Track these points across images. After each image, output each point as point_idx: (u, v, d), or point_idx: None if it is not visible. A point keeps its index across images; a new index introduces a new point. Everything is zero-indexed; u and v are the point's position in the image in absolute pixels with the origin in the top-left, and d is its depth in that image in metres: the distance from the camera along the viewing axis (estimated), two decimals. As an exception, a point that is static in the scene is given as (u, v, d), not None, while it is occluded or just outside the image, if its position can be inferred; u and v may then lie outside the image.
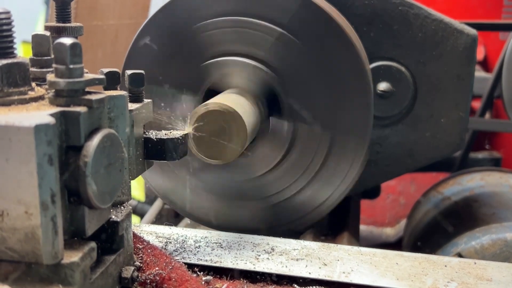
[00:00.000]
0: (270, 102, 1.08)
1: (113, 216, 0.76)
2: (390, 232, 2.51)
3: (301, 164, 1.09)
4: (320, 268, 0.90)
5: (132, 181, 0.86)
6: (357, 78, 1.04)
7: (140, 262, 0.82)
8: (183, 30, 1.07)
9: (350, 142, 1.06)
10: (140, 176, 0.95)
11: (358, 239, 1.31)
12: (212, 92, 1.06)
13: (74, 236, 0.68)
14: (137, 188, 2.61)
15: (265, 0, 1.03)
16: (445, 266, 0.91)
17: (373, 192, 1.74)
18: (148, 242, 0.87)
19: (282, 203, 1.12)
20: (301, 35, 1.03)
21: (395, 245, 2.34)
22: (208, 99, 1.03)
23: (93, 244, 0.69)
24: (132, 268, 0.78)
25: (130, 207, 0.80)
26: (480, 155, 2.53)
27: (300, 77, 1.05)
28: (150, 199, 2.17)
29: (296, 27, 1.03)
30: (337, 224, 1.32)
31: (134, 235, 0.87)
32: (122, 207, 0.79)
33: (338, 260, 0.93)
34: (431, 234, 1.75)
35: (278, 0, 1.03)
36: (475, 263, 0.92)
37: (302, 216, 1.12)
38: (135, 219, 1.95)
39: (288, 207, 1.12)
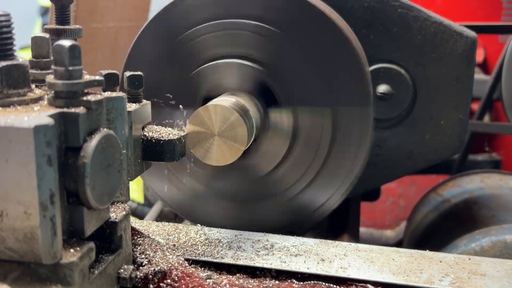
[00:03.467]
0: (266, 97, 1.08)
1: (112, 217, 0.76)
2: (390, 234, 2.51)
3: (307, 154, 1.08)
4: (318, 263, 0.91)
5: (131, 183, 0.86)
6: (357, 80, 1.04)
7: (142, 258, 0.83)
8: (171, 42, 1.09)
9: (352, 128, 1.06)
10: (139, 178, 0.95)
11: (358, 241, 1.31)
12: (209, 100, 1.07)
13: (73, 236, 0.69)
14: (136, 190, 2.61)
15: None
16: (440, 261, 0.93)
17: (373, 195, 1.74)
18: (150, 238, 0.88)
19: (297, 197, 1.11)
20: (277, 23, 1.04)
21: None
22: None
23: (91, 244, 0.69)
24: (131, 268, 0.79)
25: (129, 208, 0.81)
26: (480, 157, 2.53)
27: (289, 66, 1.05)
28: (150, 201, 2.18)
29: (269, 16, 1.04)
30: (337, 226, 1.33)
31: (137, 231, 0.88)
32: (120, 208, 0.79)
33: (336, 256, 0.94)
34: (431, 236, 1.75)
35: None
36: (469, 259, 0.94)
37: (316, 209, 1.12)
38: (135, 221, 1.95)
39: (303, 200, 1.12)
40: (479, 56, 2.64)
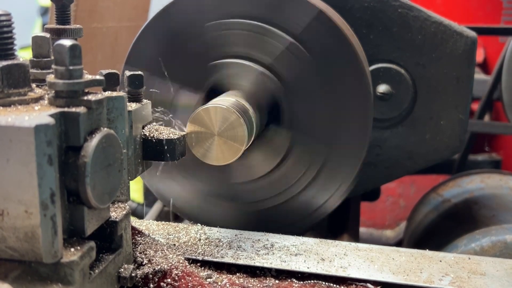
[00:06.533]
0: (270, 110, 1.08)
1: (112, 216, 0.76)
2: (390, 234, 2.51)
3: (292, 175, 1.09)
4: (318, 263, 0.92)
5: (131, 183, 0.86)
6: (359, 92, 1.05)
7: (142, 257, 0.84)
8: (193, 27, 1.07)
9: (346, 156, 1.07)
10: (139, 178, 0.95)
11: (357, 241, 1.31)
12: (215, 90, 1.07)
13: (74, 235, 0.69)
14: (136, 190, 2.61)
15: (280, 8, 1.03)
16: (440, 261, 0.93)
17: (373, 195, 1.74)
18: (150, 238, 0.88)
19: (270, 210, 1.12)
20: (311, 48, 1.04)
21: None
22: (210, 96, 1.04)
23: (92, 244, 0.69)
24: (131, 267, 0.79)
25: (129, 207, 0.81)
26: (480, 157, 2.53)
27: (304, 89, 1.05)
28: (150, 201, 2.18)
29: (307, 39, 1.03)
30: (337, 227, 1.33)
31: (138, 230, 0.88)
32: (121, 207, 0.79)
33: (336, 255, 0.94)
34: (431, 236, 1.75)
35: (293, 9, 1.03)
36: (469, 258, 0.94)
37: (290, 224, 1.13)
38: (135, 221, 1.95)
39: (276, 214, 1.13)
40: (479, 56, 2.64)
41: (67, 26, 0.89)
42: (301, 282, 0.88)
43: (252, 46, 1.05)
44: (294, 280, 0.89)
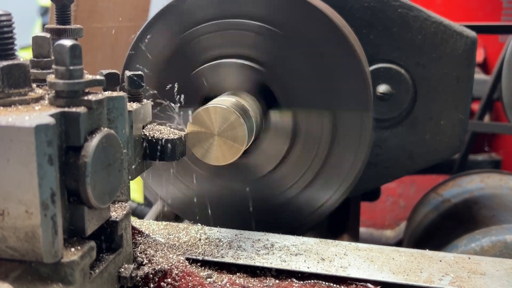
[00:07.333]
0: (267, 97, 1.08)
1: (112, 216, 0.76)
2: (390, 234, 2.51)
3: (306, 157, 1.09)
4: (318, 262, 0.92)
5: (130, 183, 0.87)
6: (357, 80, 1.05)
7: (143, 257, 0.84)
8: (171, 42, 1.09)
9: (351, 130, 1.07)
10: (139, 178, 0.96)
11: (357, 241, 1.31)
12: (210, 100, 1.07)
13: (74, 235, 0.69)
14: (136, 190, 2.61)
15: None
16: (440, 261, 0.93)
17: (373, 195, 1.74)
18: (151, 237, 0.88)
19: (292, 200, 1.12)
20: (281, 25, 1.04)
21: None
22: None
23: (92, 243, 0.70)
24: (131, 267, 0.79)
25: (129, 207, 0.81)
26: (480, 157, 2.53)
27: (289, 67, 1.05)
28: (149, 201, 2.18)
29: (273, 18, 1.04)
30: (337, 227, 1.33)
31: (138, 230, 0.88)
32: (121, 207, 0.80)
33: (336, 255, 0.94)
34: (431, 236, 1.75)
35: None
36: (469, 258, 0.94)
37: (311, 213, 1.12)
38: (135, 221, 1.95)
39: (298, 204, 1.12)
40: (479, 56, 2.64)
41: (67, 26, 0.90)
42: (301, 282, 0.88)
43: (226, 44, 1.06)
44: (294, 280, 0.89)
